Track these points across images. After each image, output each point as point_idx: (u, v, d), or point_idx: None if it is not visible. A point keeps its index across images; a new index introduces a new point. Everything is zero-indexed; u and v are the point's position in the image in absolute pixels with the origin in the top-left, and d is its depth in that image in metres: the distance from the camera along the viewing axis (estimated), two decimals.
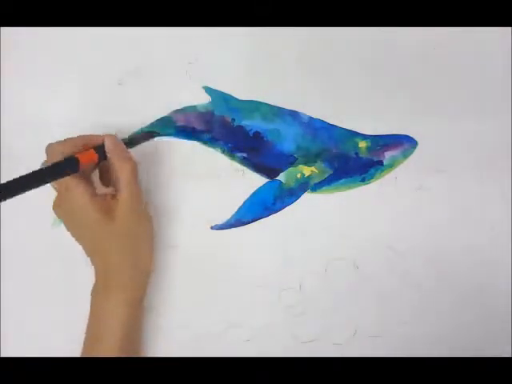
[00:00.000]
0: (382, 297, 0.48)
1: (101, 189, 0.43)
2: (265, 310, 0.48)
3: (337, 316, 0.48)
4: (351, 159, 0.48)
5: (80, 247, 0.42)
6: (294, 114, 0.48)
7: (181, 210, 0.48)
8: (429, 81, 0.48)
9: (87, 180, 0.42)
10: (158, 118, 0.48)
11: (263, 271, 0.48)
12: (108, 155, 0.41)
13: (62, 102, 0.49)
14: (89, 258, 0.43)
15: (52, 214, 0.47)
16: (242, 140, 0.48)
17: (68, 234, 0.42)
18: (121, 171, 0.41)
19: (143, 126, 0.48)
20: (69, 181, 0.40)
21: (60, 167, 0.39)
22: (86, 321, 0.42)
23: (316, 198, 0.48)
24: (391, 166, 0.48)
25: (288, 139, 0.48)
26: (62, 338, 0.46)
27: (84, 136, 0.42)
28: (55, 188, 0.43)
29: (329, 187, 0.48)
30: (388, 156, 0.48)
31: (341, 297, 0.48)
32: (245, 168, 0.48)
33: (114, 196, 0.41)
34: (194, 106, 0.48)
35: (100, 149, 0.41)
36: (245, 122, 0.48)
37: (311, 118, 0.48)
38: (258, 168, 0.48)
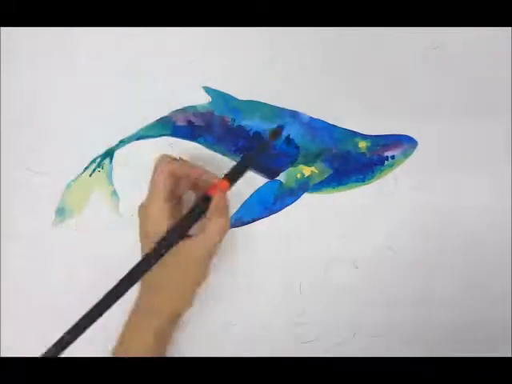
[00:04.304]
0: (382, 297, 0.48)
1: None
2: (265, 310, 0.48)
3: (337, 316, 0.48)
4: (351, 159, 0.48)
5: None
6: (294, 114, 0.48)
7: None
8: (429, 81, 0.48)
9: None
10: (158, 118, 0.48)
11: (263, 271, 0.48)
12: (212, 207, 0.40)
13: (62, 101, 0.49)
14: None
15: (52, 214, 0.47)
16: (242, 140, 0.48)
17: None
18: (215, 222, 0.40)
19: (142, 126, 0.48)
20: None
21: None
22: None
23: (316, 198, 0.48)
24: (391, 165, 0.48)
25: (288, 139, 0.48)
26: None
27: (196, 168, 0.42)
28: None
29: (329, 187, 0.48)
30: (388, 156, 0.48)
31: (341, 297, 0.48)
32: None
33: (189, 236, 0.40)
34: (194, 106, 0.48)
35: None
36: (245, 122, 0.48)
37: (311, 118, 0.48)
38: (258, 168, 0.48)
